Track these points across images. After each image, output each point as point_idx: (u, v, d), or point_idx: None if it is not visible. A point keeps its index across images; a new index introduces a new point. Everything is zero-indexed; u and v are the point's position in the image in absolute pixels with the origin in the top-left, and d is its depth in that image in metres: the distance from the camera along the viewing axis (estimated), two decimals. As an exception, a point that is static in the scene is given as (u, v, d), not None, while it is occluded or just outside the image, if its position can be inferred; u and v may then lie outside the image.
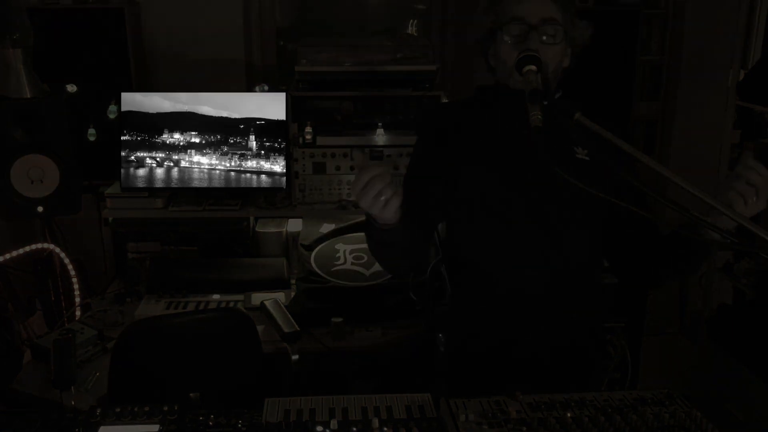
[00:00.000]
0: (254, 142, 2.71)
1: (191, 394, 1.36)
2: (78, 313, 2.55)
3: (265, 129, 2.71)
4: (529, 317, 1.55)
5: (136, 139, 2.72)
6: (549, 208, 1.52)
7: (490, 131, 1.55)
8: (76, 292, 2.58)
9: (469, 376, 1.63)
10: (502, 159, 1.53)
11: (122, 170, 2.71)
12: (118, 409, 1.33)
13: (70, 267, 2.58)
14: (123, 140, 2.71)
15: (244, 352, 2.01)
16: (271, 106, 2.72)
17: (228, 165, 2.72)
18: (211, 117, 2.72)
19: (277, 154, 2.71)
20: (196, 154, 2.72)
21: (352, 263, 2.59)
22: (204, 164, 2.73)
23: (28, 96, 2.49)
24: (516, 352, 1.56)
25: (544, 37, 1.45)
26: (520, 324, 1.55)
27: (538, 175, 1.45)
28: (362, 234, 2.68)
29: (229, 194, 2.76)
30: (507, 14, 1.47)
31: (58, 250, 2.58)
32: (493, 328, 1.59)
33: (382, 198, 1.26)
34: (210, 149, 2.72)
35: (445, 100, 2.76)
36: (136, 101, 2.73)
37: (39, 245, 2.58)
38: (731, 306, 3.65)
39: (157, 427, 1.29)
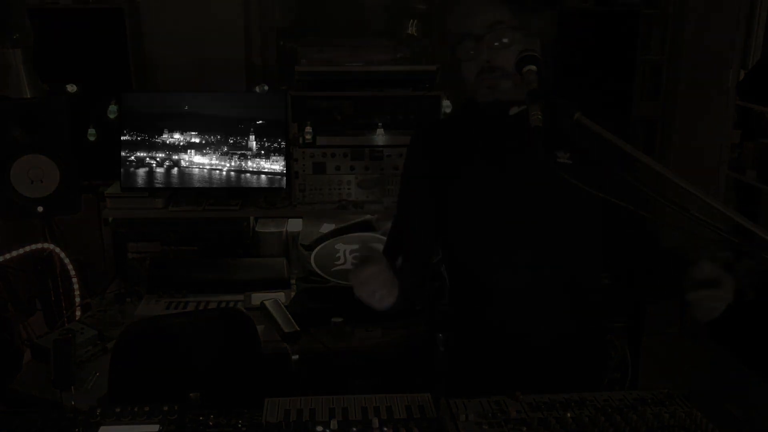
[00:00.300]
0: (254, 142, 2.71)
1: (191, 394, 1.36)
2: (78, 313, 2.55)
3: (265, 129, 2.71)
4: (528, 317, 1.55)
5: (136, 139, 2.72)
6: (545, 209, 1.52)
7: (480, 140, 1.56)
8: (76, 292, 2.58)
9: (469, 376, 1.63)
10: (496, 164, 1.54)
11: (122, 170, 2.71)
12: (118, 409, 1.33)
13: (70, 267, 2.58)
14: (123, 140, 2.71)
15: (244, 352, 2.01)
16: (271, 106, 2.72)
17: (228, 165, 2.72)
18: (211, 117, 2.71)
19: (277, 154, 2.71)
20: (196, 154, 2.72)
21: (352, 263, 2.59)
22: (204, 164, 2.73)
23: (28, 96, 2.50)
24: (516, 351, 1.56)
25: (496, 43, 1.43)
26: (520, 324, 1.55)
27: (534, 176, 1.45)
28: (362, 234, 2.69)
29: (229, 194, 2.76)
30: (456, 33, 1.47)
31: (58, 250, 2.58)
32: (492, 329, 1.59)
33: (377, 296, 1.34)
34: (210, 149, 2.72)
35: (445, 100, 2.76)
36: (136, 101, 2.73)
37: (39, 245, 2.58)
38: (731, 306, 3.65)
39: (157, 427, 1.29)
